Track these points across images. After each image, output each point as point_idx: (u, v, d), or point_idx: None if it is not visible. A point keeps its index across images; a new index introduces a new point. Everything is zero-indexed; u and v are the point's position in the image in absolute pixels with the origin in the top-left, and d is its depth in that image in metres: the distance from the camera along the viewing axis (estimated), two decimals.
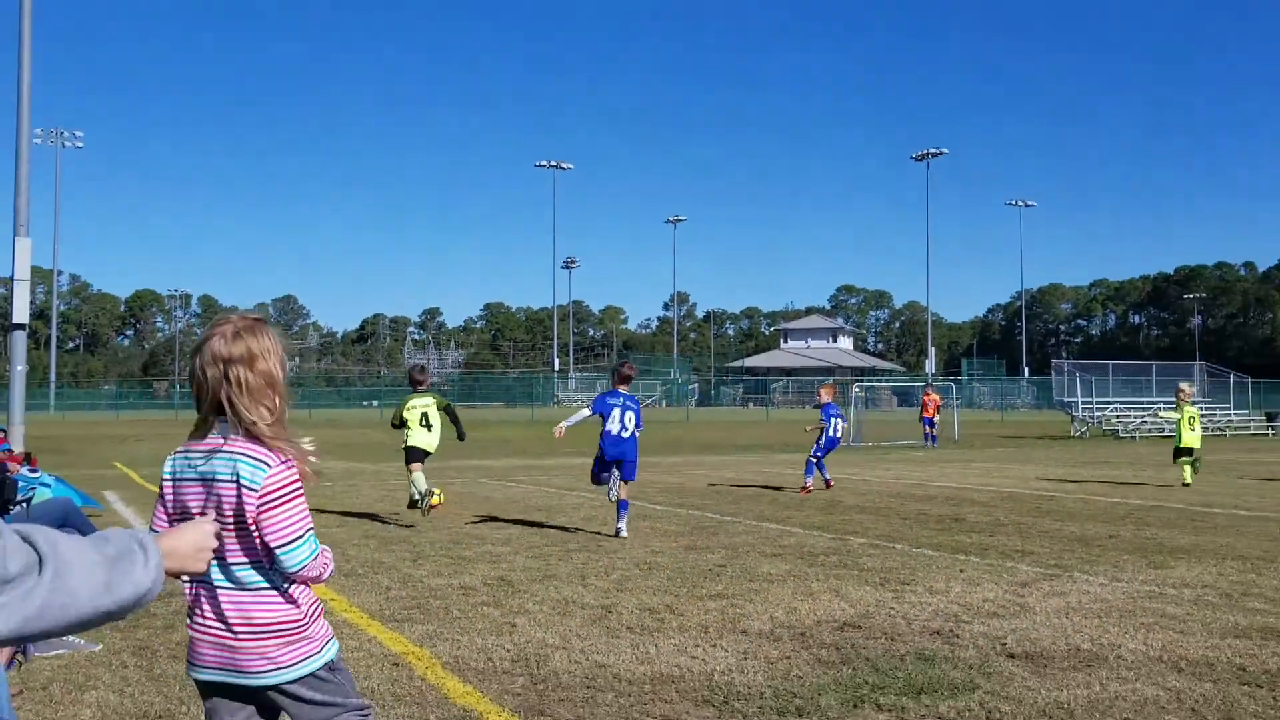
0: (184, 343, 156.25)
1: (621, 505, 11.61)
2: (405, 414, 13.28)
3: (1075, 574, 8.80)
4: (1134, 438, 41.09)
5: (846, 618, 7.11)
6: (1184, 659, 5.95)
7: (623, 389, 12.04)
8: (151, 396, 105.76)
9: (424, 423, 13.23)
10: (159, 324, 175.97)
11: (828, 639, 6.50)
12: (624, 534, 11.25)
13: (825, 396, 17.25)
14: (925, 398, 35.82)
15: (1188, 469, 17.49)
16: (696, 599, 7.79)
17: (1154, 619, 6.99)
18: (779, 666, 5.87)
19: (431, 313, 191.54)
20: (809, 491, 16.17)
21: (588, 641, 6.46)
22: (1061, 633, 6.60)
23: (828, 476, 17.19)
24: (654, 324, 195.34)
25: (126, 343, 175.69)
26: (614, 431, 11.63)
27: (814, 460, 16.82)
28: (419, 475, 12.75)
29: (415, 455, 13.07)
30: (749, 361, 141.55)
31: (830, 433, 16.90)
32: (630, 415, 11.76)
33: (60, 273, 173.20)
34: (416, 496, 12.61)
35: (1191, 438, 17.69)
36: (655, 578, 8.71)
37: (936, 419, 34.77)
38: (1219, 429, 44.87)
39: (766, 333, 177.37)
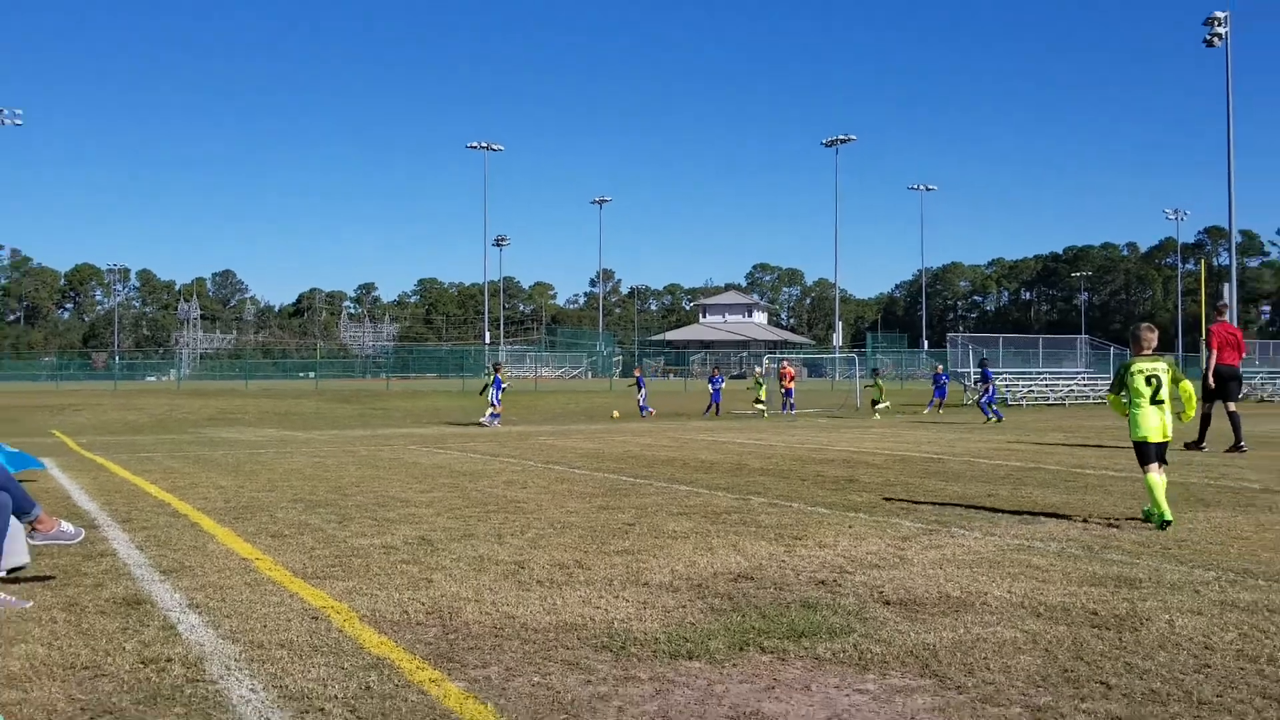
0: (123, 316, 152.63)
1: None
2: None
3: (953, 529, 9.07)
4: (1022, 405, 42.08)
5: (741, 570, 7.27)
6: (1043, 605, 6.18)
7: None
8: (90, 368, 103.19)
9: None
10: (98, 297, 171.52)
11: (722, 589, 6.65)
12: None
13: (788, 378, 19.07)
14: (783, 370, 38.01)
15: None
16: (604, 555, 7.90)
17: (1020, 569, 7.25)
18: (674, 615, 6.00)
19: (367, 287, 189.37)
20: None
21: (499, 595, 6.54)
22: (934, 582, 6.82)
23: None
24: (581, 299, 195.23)
25: (66, 315, 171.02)
26: None
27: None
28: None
29: None
30: (670, 335, 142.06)
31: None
32: None
33: (1, 247, 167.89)
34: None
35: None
36: (568, 536, 8.81)
37: (794, 389, 37.07)
38: (1099, 397, 46.09)
39: (687, 308, 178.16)
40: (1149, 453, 9.46)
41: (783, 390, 36.59)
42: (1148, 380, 9.48)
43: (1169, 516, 9.13)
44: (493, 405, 29.04)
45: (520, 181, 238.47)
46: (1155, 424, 9.45)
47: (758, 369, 38.25)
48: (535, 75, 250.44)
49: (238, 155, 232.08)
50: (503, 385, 29.44)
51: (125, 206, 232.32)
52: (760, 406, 35.19)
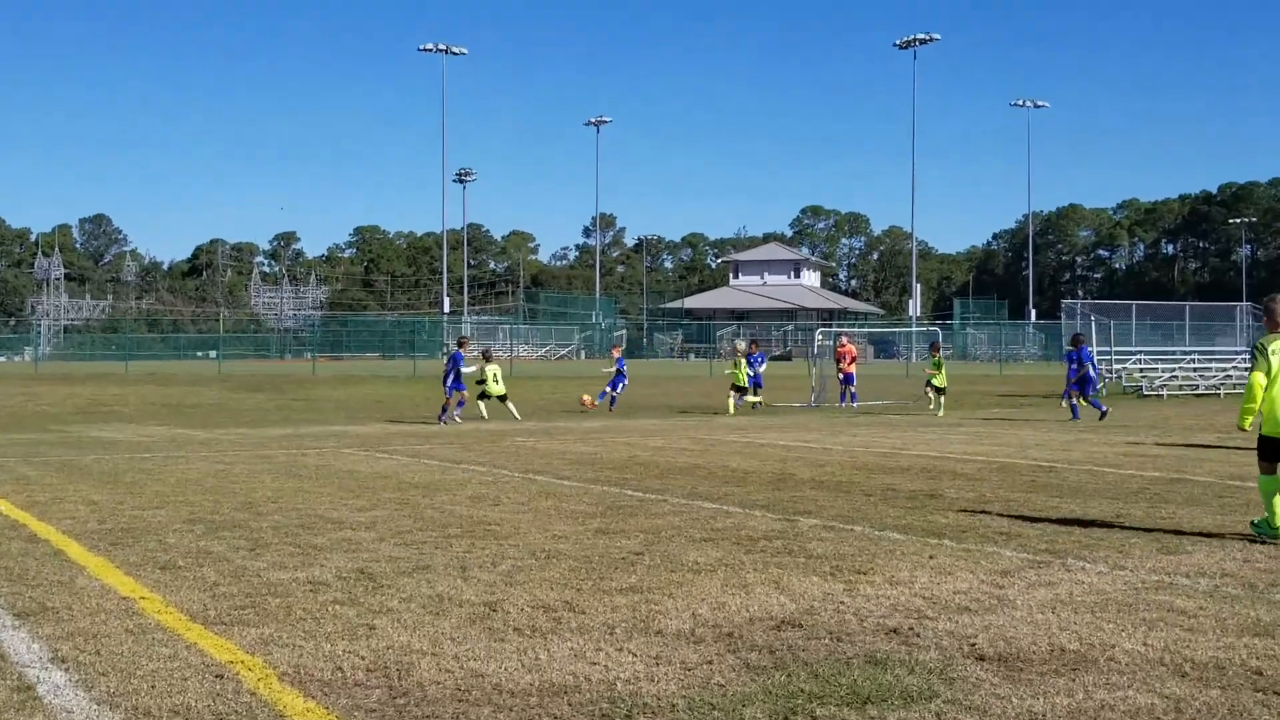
0: None
1: None
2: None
3: (1069, 561, 9.10)
4: (1160, 396, 42.11)
5: (785, 614, 7.31)
6: (1190, 661, 6.22)
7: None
8: None
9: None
10: None
11: (760, 640, 6.69)
12: None
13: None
14: (841, 349, 37.02)
15: None
16: (603, 594, 7.95)
17: (1159, 614, 7.28)
18: (697, 673, 6.04)
19: (286, 238, 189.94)
20: None
21: (463, 646, 6.59)
22: (1044, 630, 6.86)
23: None
24: (572, 255, 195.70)
25: None
26: None
27: None
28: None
29: None
30: (689, 302, 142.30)
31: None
32: None
33: None
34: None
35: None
36: (554, 569, 8.86)
37: (855, 373, 36.22)
38: None
39: (713, 266, 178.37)
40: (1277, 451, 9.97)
41: (840, 375, 36.59)
42: None
43: None
44: (447, 395, 29.33)
45: (490, 98, 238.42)
46: None
47: (739, 343, 36.25)
48: None
49: (110, 68, 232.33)
50: (463, 364, 29.63)
51: None
52: (753, 399, 33.50)
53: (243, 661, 6.29)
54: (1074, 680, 5.87)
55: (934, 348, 34.47)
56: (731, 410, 31.95)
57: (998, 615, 7.27)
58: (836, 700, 5.58)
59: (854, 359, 37.00)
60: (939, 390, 32.21)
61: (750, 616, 7.28)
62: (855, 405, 35.39)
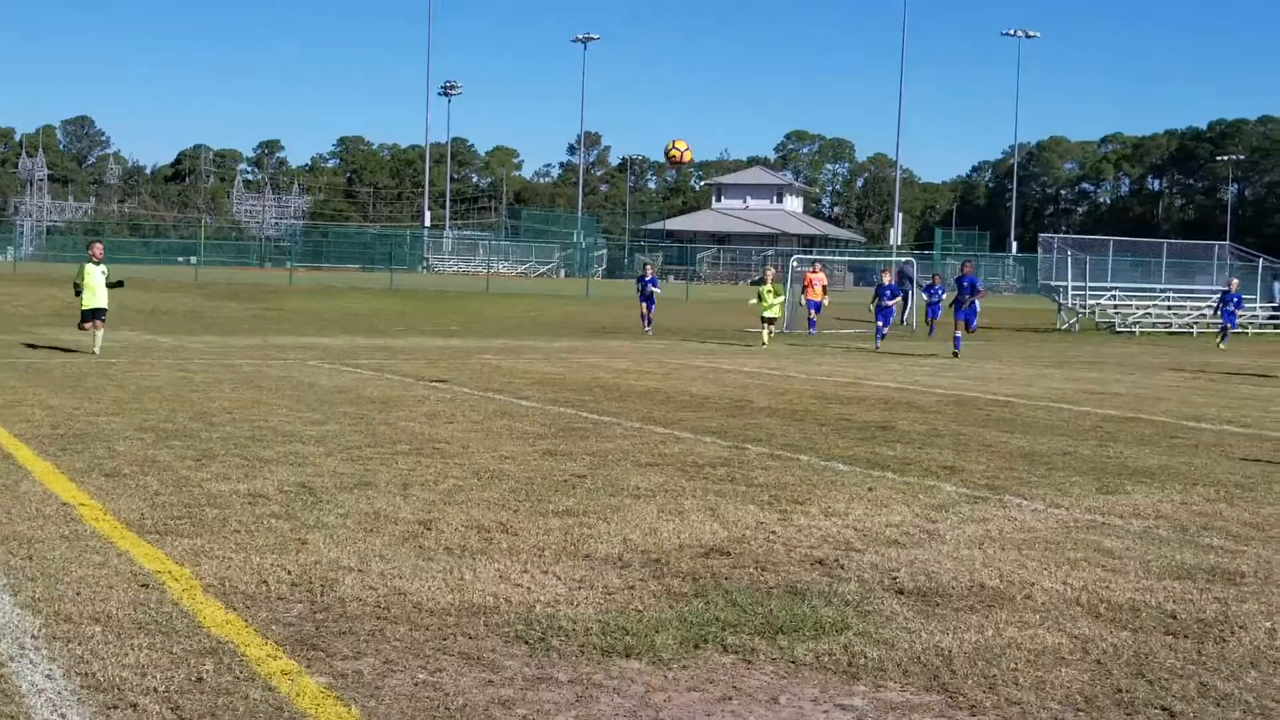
0: None
1: None
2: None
3: (1006, 497, 9.18)
4: (1133, 332, 42.27)
5: (715, 542, 7.37)
6: (1106, 602, 6.28)
7: None
8: None
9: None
10: None
11: (685, 567, 6.75)
12: None
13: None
14: (809, 276, 36.81)
15: None
16: (539, 516, 8.01)
17: (1084, 554, 7.35)
18: (617, 598, 6.10)
19: (270, 146, 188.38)
20: None
21: (391, 564, 6.63)
22: (967, 566, 6.93)
23: None
24: (556, 172, 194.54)
25: None
26: None
27: None
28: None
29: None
30: (671, 224, 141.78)
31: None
32: None
33: None
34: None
35: None
36: (495, 489, 8.91)
37: (825, 302, 35.99)
38: (1240, 325, 46.30)
39: (696, 189, 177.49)
40: None
41: (805, 302, 36.49)
42: None
43: None
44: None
45: (476, 12, 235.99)
46: None
47: (770, 268, 34.49)
48: None
49: None
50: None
51: None
52: (770, 328, 30.64)
53: (170, 572, 6.33)
54: (986, 617, 5.94)
55: (767, 270, 33.32)
56: (765, 340, 29.64)
57: (924, 550, 7.34)
58: (750, 630, 5.64)
59: (825, 288, 36.76)
60: (769, 320, 30.30)
61: (680, 543, 7.33)
62: (813, 333, 35.50)
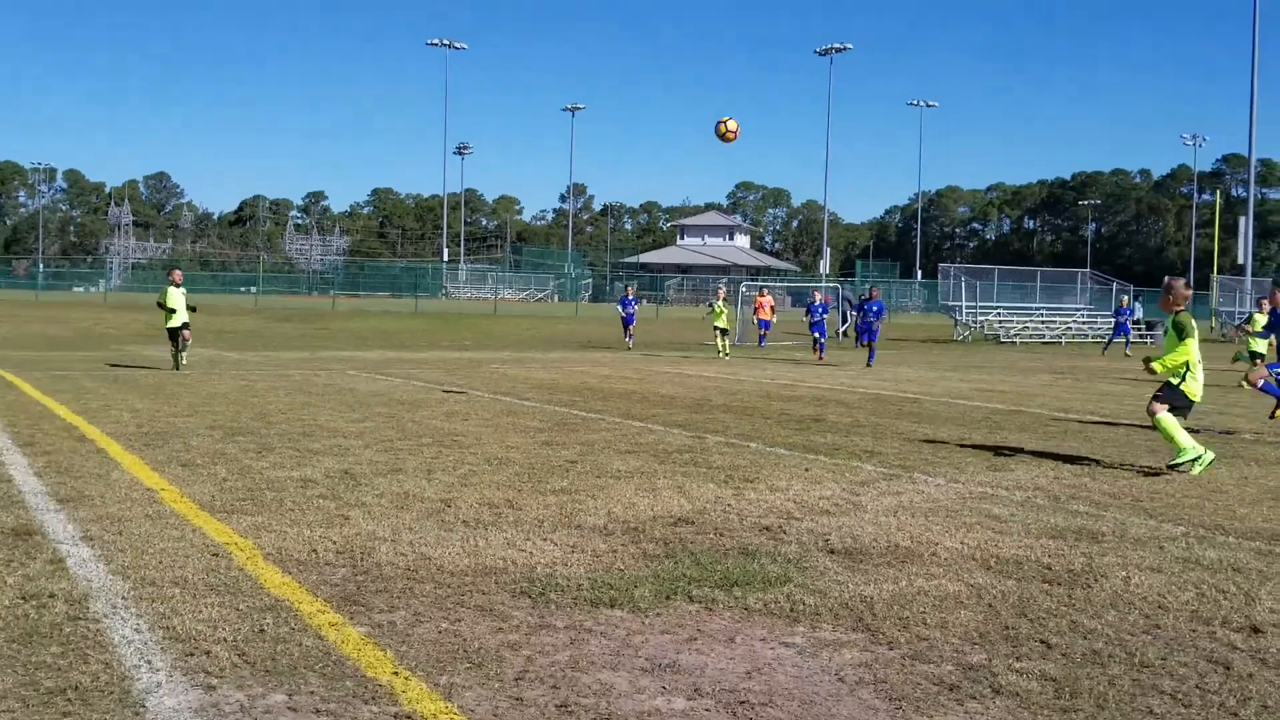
0: (48, 219, 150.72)
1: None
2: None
3: (915, 475, 9.18)
4: (1015, 343, 42.39)
5: (682, 513, 7.35)
6: (995, 557, 6.29)
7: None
8: (11, 276, 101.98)
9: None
10: (21, 199, 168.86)
11: (658, 534, 6.72)
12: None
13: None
14: (758, 299, 36.81)
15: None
16: (539, 494, 7.96)
17: (978, 519, 7.36)
18: (603, 560, 6.07)
19: (316, 196, 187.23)
20: None
21: (418, 534, 6.59)
22: (885, 530, 6.92)
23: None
24: (550, 216, 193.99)
25: None
26: None
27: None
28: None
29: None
30: (644, 257, 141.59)
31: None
32: None
33: None
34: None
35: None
36: (503, 473, 8.86)
37: (772, 320, 36.00)
38: (1099, 336, 46.52)
39: (664, 228, 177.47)
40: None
41: (757, 321, 36.55)
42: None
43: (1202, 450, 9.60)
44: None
45: (485, 85, 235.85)
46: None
47: (720, 289, 33.68)
48: None
49: (174, 46, 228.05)
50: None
51: (51, 99, 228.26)
52: (724, 343, 29.43)
53: (236, 543, 6.28)
54: (901, 571, 5.94)
55: (719, 291, 31.79)
56: (721, 351, 28.89)
57: (850, 518, 7.33)
58: (711, 583, 5.62)
59: (772, 308, 36.78)
60: (722, 331, 29.27)
61: (654, 515, 7.31)
62: (763, 346, 35.50)
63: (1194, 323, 9.92)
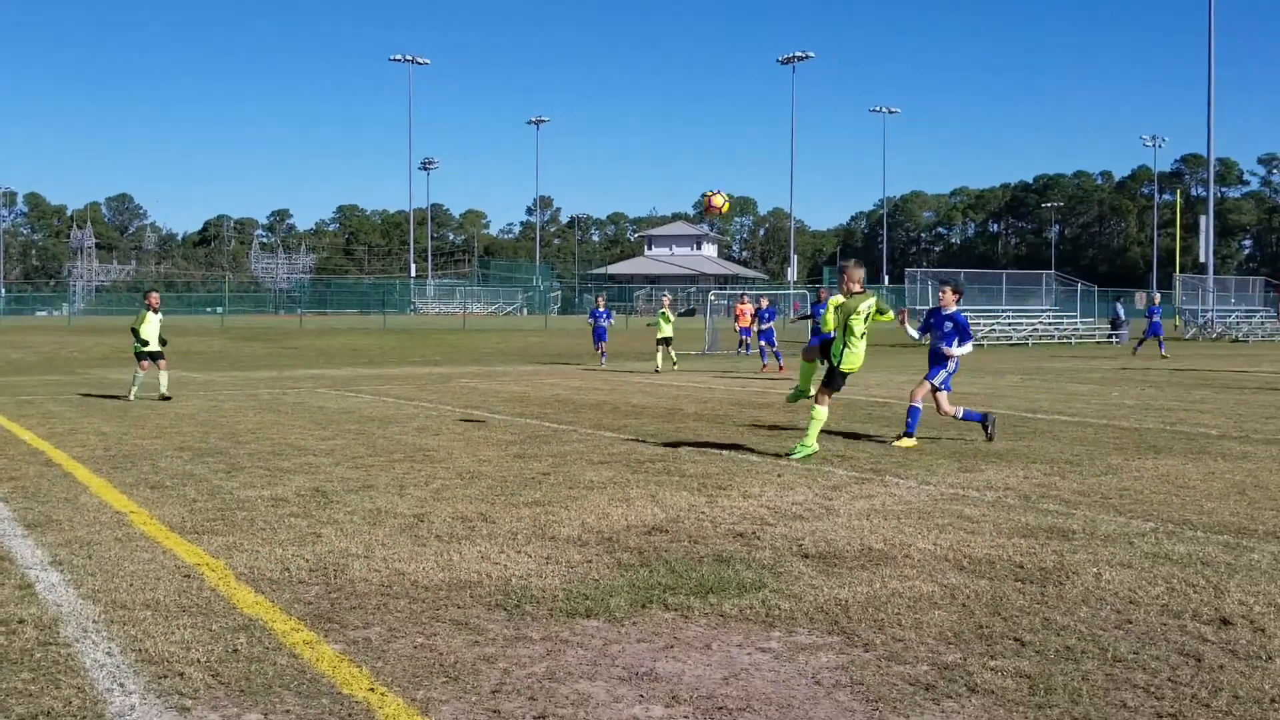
0: (9, 244, 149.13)
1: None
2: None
3: (887, 478, 9.22)
4: (982, 345, 42.64)
5: (656, 522, 7.35)
6: (968, 558, 6.33)
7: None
8: None
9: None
10: None
11: (633, 543, 6.72)
12: None
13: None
14: (739, 307, 36.55)
15: None
16: (512, 506, 7.95)
17: (950, 520, 7.40)
18: (578, 570, 6.06)
19: (280, 214, 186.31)
20: None
21: (391, 550, 6.56)
22: (858, 534, 6.95)
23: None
24: (517, 229, 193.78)
25: None
26: None
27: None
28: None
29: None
30: (612, 269, 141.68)
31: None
32: None
33: None
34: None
35: None
36: (475, 487, 8.84)
37: (753, 329, 35.74)
38: (1065, 337, 46.90)
39: (632, 239, 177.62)
40: (841, 384, 10.93)
41: (738, 329, 36.43)
42: (865, 317, 10.72)
43: (817, 448, 10.51)
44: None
45: (449, 99, 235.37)
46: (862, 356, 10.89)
47: (665, 297, 31.41)
48: None
49: (134, 66, 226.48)
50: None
51: (9, 123, 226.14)
52: (667, 348, 27.18)
53: (208, 564, 6.23)
54: (875, 573, 5.96)
55: (664, 299, 29.84)
56: (660, 367, 26.45)
57: (823, 522, 7.36)
58: (686, 591, 5.63)
59: (753, 315, 36.45)
60: (665, 341, 26.99)
61: (628, 524, 7.31)
62: (746, 353, 35.41)
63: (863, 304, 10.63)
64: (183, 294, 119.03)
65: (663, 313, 27.83)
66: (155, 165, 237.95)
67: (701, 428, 13.16)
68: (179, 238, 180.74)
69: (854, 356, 10.68)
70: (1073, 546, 6.60)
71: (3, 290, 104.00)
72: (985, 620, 5.11)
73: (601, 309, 30.74)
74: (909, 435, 11.43)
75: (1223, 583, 5.76)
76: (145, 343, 18.03)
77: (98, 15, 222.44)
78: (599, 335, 30.01)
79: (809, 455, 10.36)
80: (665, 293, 39.75)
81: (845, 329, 10.63)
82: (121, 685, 4.30)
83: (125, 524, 7.38)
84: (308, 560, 6.31)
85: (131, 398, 17.40)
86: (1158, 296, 39.07)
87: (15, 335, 45.35)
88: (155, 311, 18.45)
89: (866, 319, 10.72)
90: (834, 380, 10.79)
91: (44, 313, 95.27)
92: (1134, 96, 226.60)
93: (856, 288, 10.76)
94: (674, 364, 27.42)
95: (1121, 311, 50.15)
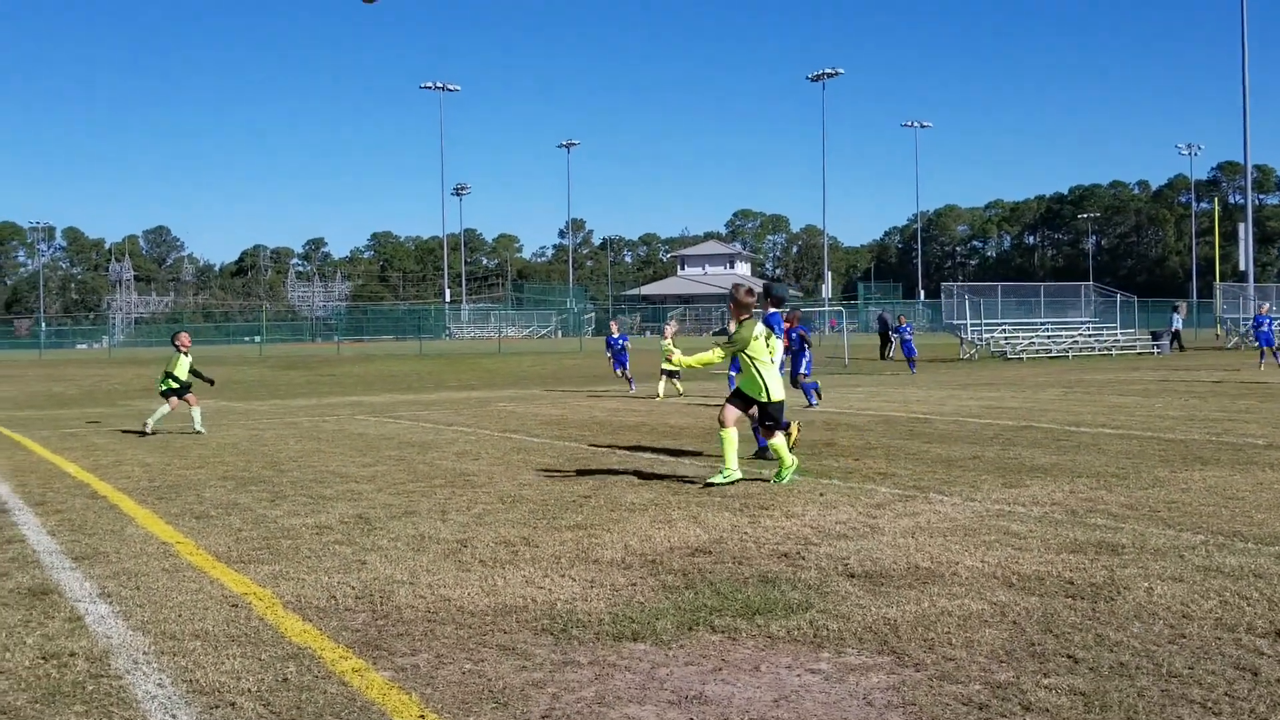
0: (49, 278, 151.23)
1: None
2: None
3: (931, 495, 9.16)
4: (1021, 359, 42.36)
5: (699, 544, 7.33)
6: (1016, 575, 6.27)
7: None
8: (13, 336, 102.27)
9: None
10: (20, 258, 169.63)
11: (676, 565, 6.71)
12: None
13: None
14: (792, 317, 36.23)
15: None
16: (554, 530, 7.95)
17: (997, 536, 7.34)
18: (623, 593, 6.06)
19: (316, 243, 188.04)
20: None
21: (436, 576, 6.58)
22: (904, 552, 6.91)
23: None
24: (550, 252, 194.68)
25: None
26: None
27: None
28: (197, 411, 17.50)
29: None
30: (646, 289, 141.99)
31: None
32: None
33: None
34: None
35: None
36: (517, 511, 8.85)
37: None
38: (1105, 349, 46.49)
39: (664, 260, 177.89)
40: (781, 415, 10.19)
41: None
42: (766, 343, 10.14)
43: (739, 474, 10.00)
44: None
45: (480, 125, 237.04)
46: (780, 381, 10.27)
47: (668, 325, 26.80)
48: (493, 6, 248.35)
49: (168, 101, 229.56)
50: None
51: (47, 159, 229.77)
52: (677, 385, 24.98)
53: (255, 593, 6.27)
54: (923, 592, 5.92)
55: (668, 325, 26.61)
56: (663, 396, 23.56)
57: (868, 540, 7.32)
58: (732, 612, 5.61)
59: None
60: (670, 374, 24.09)
61: (671, 546, 7.30)
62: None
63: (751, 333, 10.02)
64: (220, 324, 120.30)
65: (667, 342, 23.15)
66: (191, 197, 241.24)
67: (741, 447, 13.08)
68: (216, 268, 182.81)
69: (776, 384, 10.14)
70: (1123, 561, 6.53)
71: (43, 324, 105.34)
72: (1037, 638, 5.06)
73: (616, 335, 28.02)
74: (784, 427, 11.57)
75: (1277, 595, 5.68)
76: (180, 382, 17.53)
77: (130, 51, 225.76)
78: (620, 362, 27.35)
79: (726, 476, 9.92)
80: (670, 319, 38.01)
81: (751, 359, 10.03)
82: (174, 717, 4.33)
83: (172, 554, 7.45)
84: (354, 587, 6.33)
85: (149, 429, 16.91)
86: (1266, 305, 37.12)
87: (56, 369, 45.94)
88: (186, 354, 17.80)
89: (768, 344, 10.21)
90: (768, 414, 10.16)
91: (84, 345, 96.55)
92: (1169, 105, 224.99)
93: (745, 316, 10.12)
94: (679, 393, 24.46)
95: (1179, 321, 49.67)
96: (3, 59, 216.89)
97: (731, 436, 10.12)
